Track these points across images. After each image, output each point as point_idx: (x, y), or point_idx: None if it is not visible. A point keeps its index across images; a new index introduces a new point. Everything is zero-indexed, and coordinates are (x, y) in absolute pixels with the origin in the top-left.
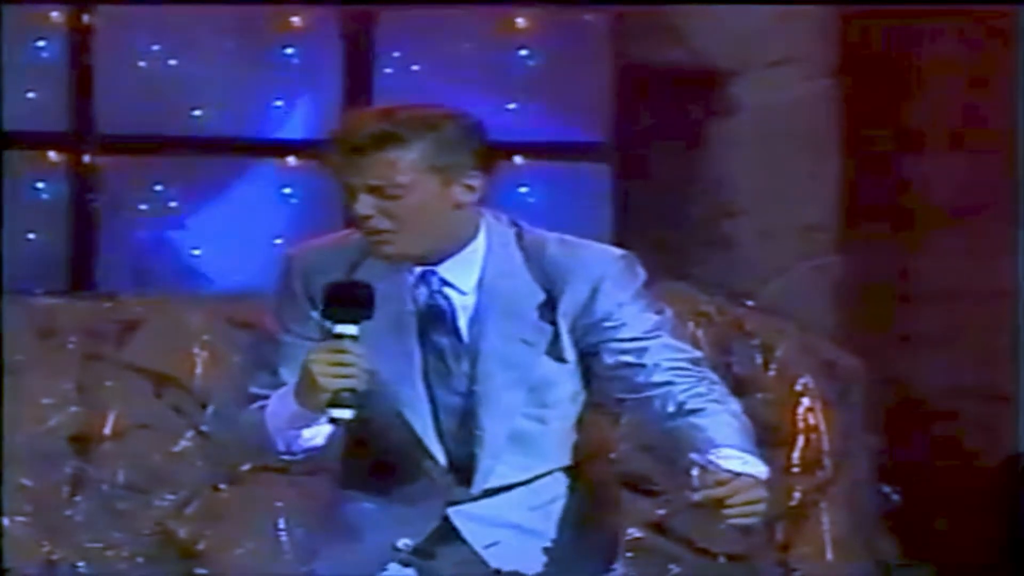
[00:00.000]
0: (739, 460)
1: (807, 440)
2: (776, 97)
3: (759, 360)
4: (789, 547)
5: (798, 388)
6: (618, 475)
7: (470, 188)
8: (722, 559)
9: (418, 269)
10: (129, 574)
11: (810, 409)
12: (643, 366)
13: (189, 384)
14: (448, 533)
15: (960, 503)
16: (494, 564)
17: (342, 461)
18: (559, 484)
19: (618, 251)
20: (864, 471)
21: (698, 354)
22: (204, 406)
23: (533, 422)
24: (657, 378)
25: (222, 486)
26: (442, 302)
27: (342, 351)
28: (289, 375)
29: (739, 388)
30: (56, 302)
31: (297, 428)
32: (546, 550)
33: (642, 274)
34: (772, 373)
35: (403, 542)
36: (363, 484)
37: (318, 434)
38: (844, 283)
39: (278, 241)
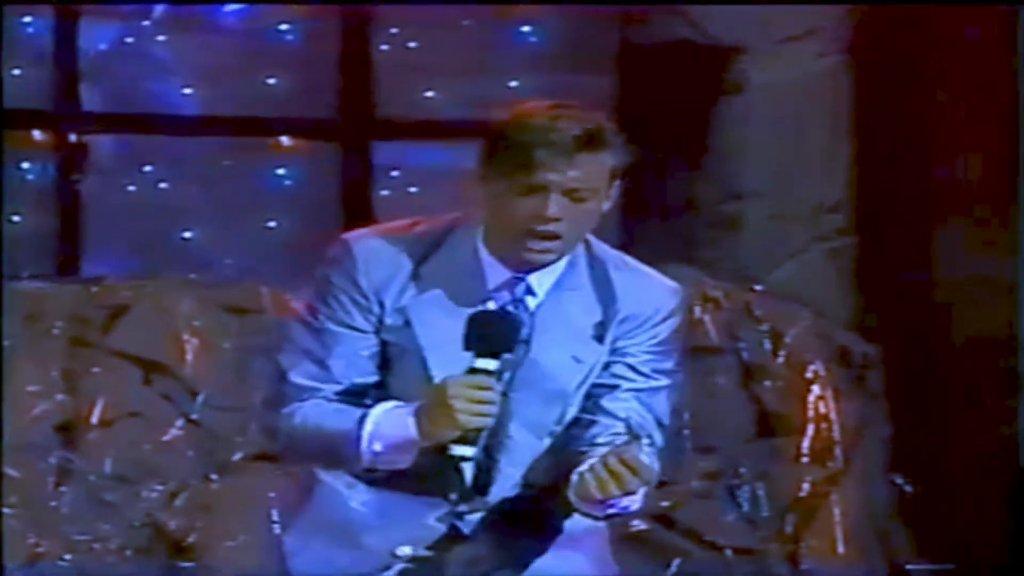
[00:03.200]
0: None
1: (817, 429)
2: (788, 74)
3: (768, 346)
4: (798, 540)
5: (808, 375)
6: None
7: (612, 199)
8: (729, 552)
9: (506, 273)
10: (117, 567)
11: (821, 397)
12: (620, 395)
13: (179, 371)
14: (455, 538)
15: (973, 495)
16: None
17: None
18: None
19: (673, 284)
20: (877, 462)
21: (667, 422)
22: (194, 394)
23: (552, 438)
24: (619, 410)
25: (213, 477)
26: (521, 311)
27: (485, 388)
28: (343, 370)
29: (747, 375)
30: (42, 286)
31: (402, 454)
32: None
33: (681, 316)
34: (781, 360)
35: (402, 550)
36: (370, 481)
37: (409, 458)
38: (858, 266)
39: (271, 224)
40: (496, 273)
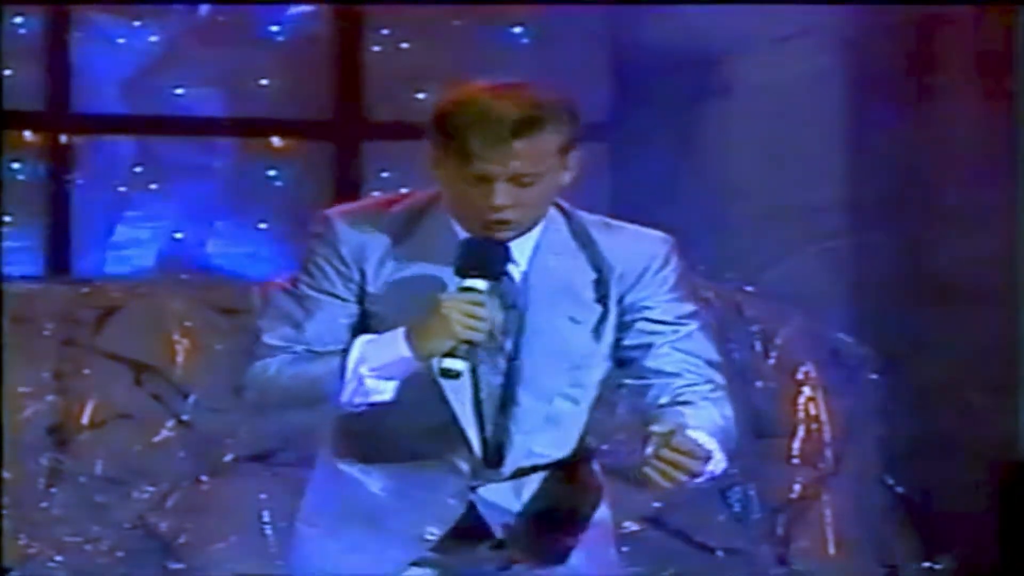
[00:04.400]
0: (706, 439)
1: (808, 430)
2: (779, 74)
3: (759, 347)
4: (789, 541)
5: (799, 376)
6: (614, 467)
7: (572, 169)
8: (720, 553)
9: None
10: (108, 568)
11: (811, 398)
12: (660, 352)
13: (170, 372)
14: (471, 525)
15: (964, 496)
16: (511, 547)
17: (364, 437)
18: (586, 477)
19: (660, 234)
20: (868, 463)
21: (717, 358)
22: (186, 395)
23: (568, 402)
24: (667, 366)
25: (204, 478)
26: (504, 279)
27: (477, 303)
28: (319, 334)
29: (738, 376)
30: (32, 287)
31: (389, 375)
32: (556, 543)
33: (681, 261)
34: (772, 360)
35: (429, 531)
36: (382, 463)
37: (392, 387)
38: (850, 267)
39: (262, 225)
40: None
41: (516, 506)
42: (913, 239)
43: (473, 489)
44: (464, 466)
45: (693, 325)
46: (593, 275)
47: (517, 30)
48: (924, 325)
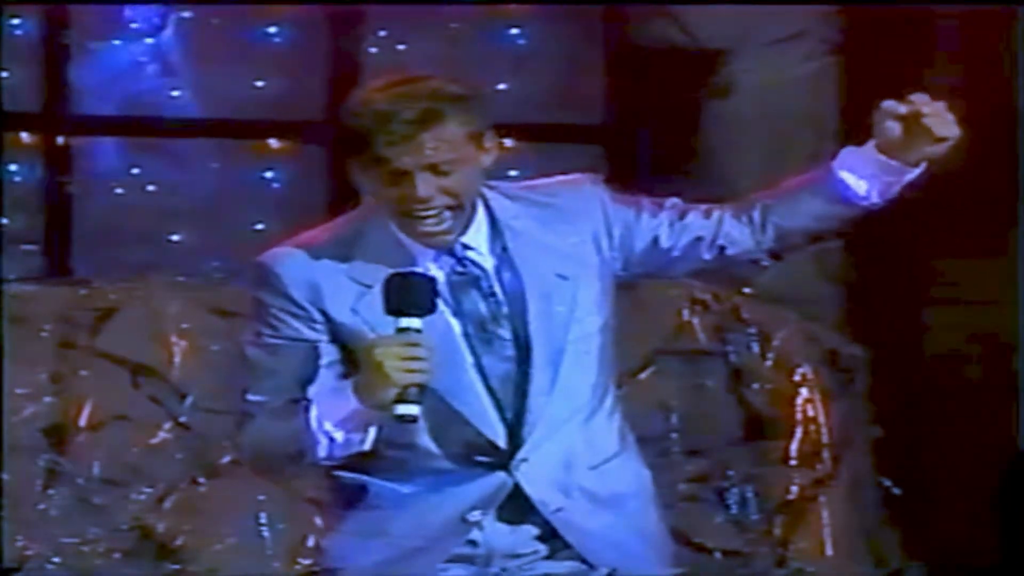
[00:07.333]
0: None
1: (806, 432)
2: (776, 76)
3: (756, 349)
4: (787, 542)
5: (797, 378)
6: None
7: (491, 150)
8: (718, 555)
9: (429, 251)
10: (105, 570)
11: (809, 400)
12: (692, 222)
13: (167, 374)
14: (514, 505)
15: (962, 498)
16: (561, 531)
17: (379, 458)
18: (608, 435)
19: (577, 175)
20: (865, 464)
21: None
22: (183, 396)
23: (573, 358)
24: (713, 216)
25: (201, 480)
26: (472, 268)
27: (412, 344)
28: (297, 378)
29: (736, 378)
30: (30, 288)
31: (351, 430)
32: (609, 519)
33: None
34: (770, 363)
35: (473, 514)
36: (405, 474)
37: (368, 436)
38: (847, 269)
39: (259, 226)
40: (422, 253)
41: (560, 484)
42: (912, 239)
43: (508, 471)
44: (493, 458)
45: (673, 201)
46: (562, 228)
47: (514, 31)
48: (923, 325)
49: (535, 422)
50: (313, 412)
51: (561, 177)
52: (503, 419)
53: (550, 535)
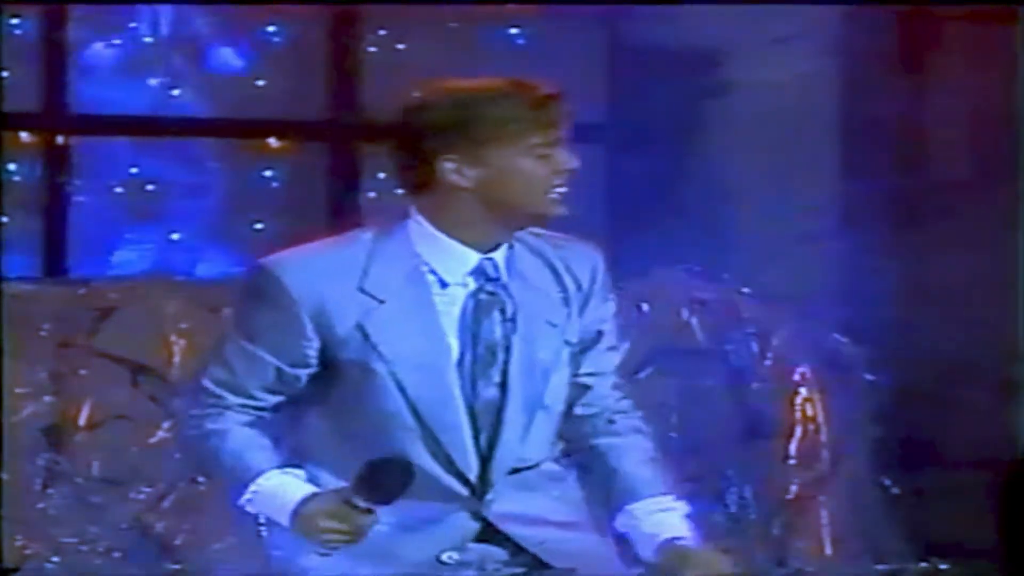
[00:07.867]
0: (676, 514)
1: (805, 431)
2: (777, 76)
3: (756, 348)
4: (786, 542)
5: (796, 377)
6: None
7: None
8: None
9: (475, 258)
10: (105, 569)
11: (808, 399)
12: (602, 373)
13: (166, 373)
14: (490, 536)
15: (962, 498)
16: (546, 558)
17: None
18: (562, 472)
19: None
20: (864, 464)
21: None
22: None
23: (544, 408)
24: (604, 366)
25: (200, 479)
26: (500, 290)
27: (359, 524)
28: (258, 387)
29: (735, 377)
30: (29, 288)
31: (274, 519)
32: (585, 540)
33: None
34: (769, 362)
35: (450, 555)
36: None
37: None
38: (847, 268)
39: (259, 226)
40: (463, 259)
41: (533, 518)
42: (911, 239)
43: (481, 502)
44: (464, 487)
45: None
46: (553, 275)
47: (514, 31)
48: (922, 325)
49: (501, 466)
50: (250, 488)
51: (569, 236)
52: (478, 450)
53: (529, 558)
